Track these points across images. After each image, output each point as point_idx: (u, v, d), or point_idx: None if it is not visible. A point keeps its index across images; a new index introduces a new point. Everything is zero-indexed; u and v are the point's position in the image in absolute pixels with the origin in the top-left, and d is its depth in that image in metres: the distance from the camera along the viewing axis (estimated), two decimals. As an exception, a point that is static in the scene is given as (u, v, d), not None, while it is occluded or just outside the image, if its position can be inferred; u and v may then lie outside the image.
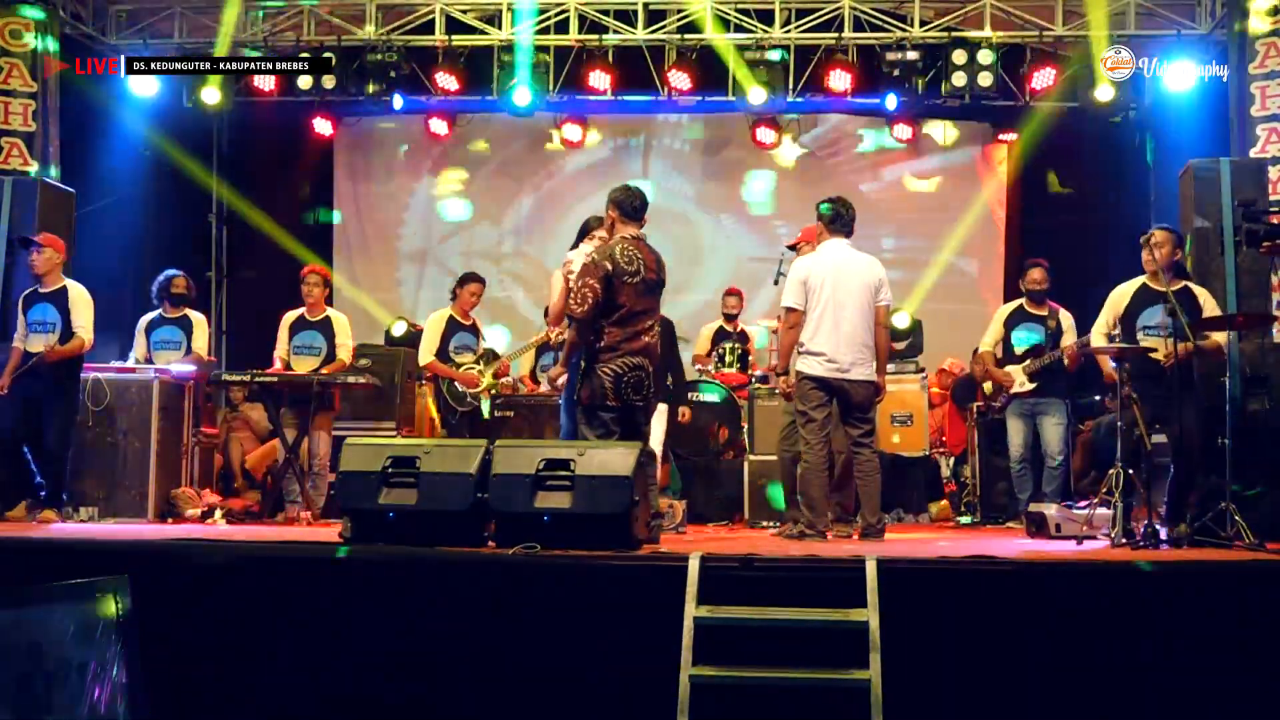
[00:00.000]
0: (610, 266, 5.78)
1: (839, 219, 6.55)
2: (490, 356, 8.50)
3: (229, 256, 12.34)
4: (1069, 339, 7.81)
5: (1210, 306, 6.55)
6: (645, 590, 4.88)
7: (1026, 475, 7.97)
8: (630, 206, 5.95)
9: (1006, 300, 9.13)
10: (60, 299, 7.50)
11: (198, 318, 8.55)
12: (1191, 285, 6.67)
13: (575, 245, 6.53)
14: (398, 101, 10.52)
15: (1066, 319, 7.94)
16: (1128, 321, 6.68)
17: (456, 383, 8.30)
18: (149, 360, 8.26)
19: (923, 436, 8.99)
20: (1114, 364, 6.43)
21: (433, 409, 8.67)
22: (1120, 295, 6.78)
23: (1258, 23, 8.18)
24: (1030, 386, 7.91)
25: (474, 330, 8.50)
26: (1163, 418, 6.32)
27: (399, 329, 10.67)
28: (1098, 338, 6.83)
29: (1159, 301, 6.52)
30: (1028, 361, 7.93)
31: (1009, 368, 8.03)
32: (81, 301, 7.52)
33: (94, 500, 7.66)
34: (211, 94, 10.52)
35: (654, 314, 5.96)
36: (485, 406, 8.41)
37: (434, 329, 8.41)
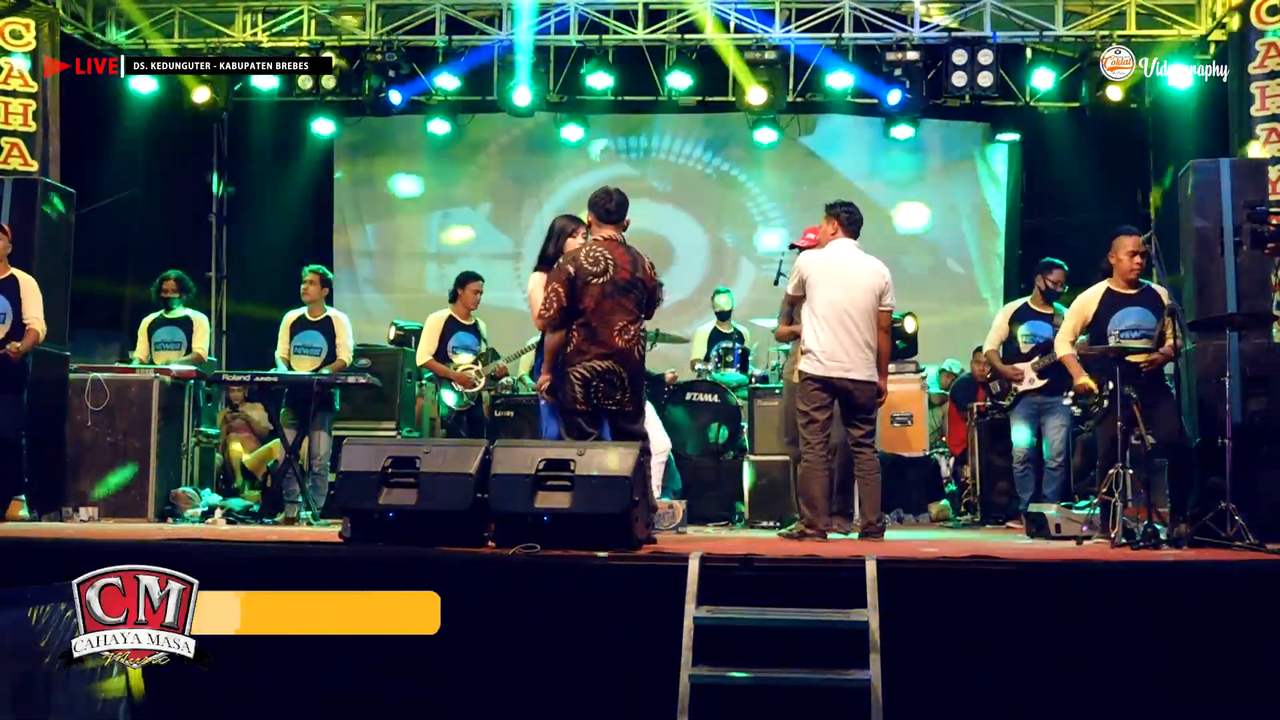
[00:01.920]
0: (573, 270, 5.78)
1: (854, 221, 6.59)
2: (489, 357, 8.45)
3: (229, 256, 12.34)
4: None
5: (1166, 298, 6.57)
6: (645, 590, 4.87)
7: (1029, 475, 7.97)
8: (604, 209, 5.92)
9: (1007, 300, 9.14)
10: (10, 289, 7.30)
11: (199, 318, 8.56)
12: (1152, 284, 6.71)
13: (545, 248, 6.46)
14: (395, 97, 10.48)
15: None
16: (1099, 327, 6.68)
17: (452, 383, 8.28)
18: (150, 360, 8.27)
19: (923, 436, 8.99)
20: (1096, 365, 6.48)
21: (435, 409, 8.65)
22: (1087, 302, 6.77)
23: (1258, 23, 8.18)
24: (1040, 383, 7.90)
25: (474, 330, 8.45)
26: (1144, 420, 6.33)
27: (392, 333, 10.52)
28: (1063, 345, 6.84)
29: (1128, 305, 6.61)
30: (1036, 359, 7.92)
31: (1017, 365, 8.03)
32: (34, 292, 7.34)
33: (94, 500, 7.65)
34: (202, 93, 10.52)
35: (628, 314, 5.84)
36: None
37: (432, 329, 8.39)
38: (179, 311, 8.47)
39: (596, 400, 5.79)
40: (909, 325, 9.44)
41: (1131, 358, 6.28)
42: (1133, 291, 6.65)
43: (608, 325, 5.78)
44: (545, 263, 6.31)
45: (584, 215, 6.24)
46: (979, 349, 9.70)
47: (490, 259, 12.25)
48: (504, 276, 12.25)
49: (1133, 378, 6.20)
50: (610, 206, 5.92)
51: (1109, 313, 6.67)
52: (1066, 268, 8.12)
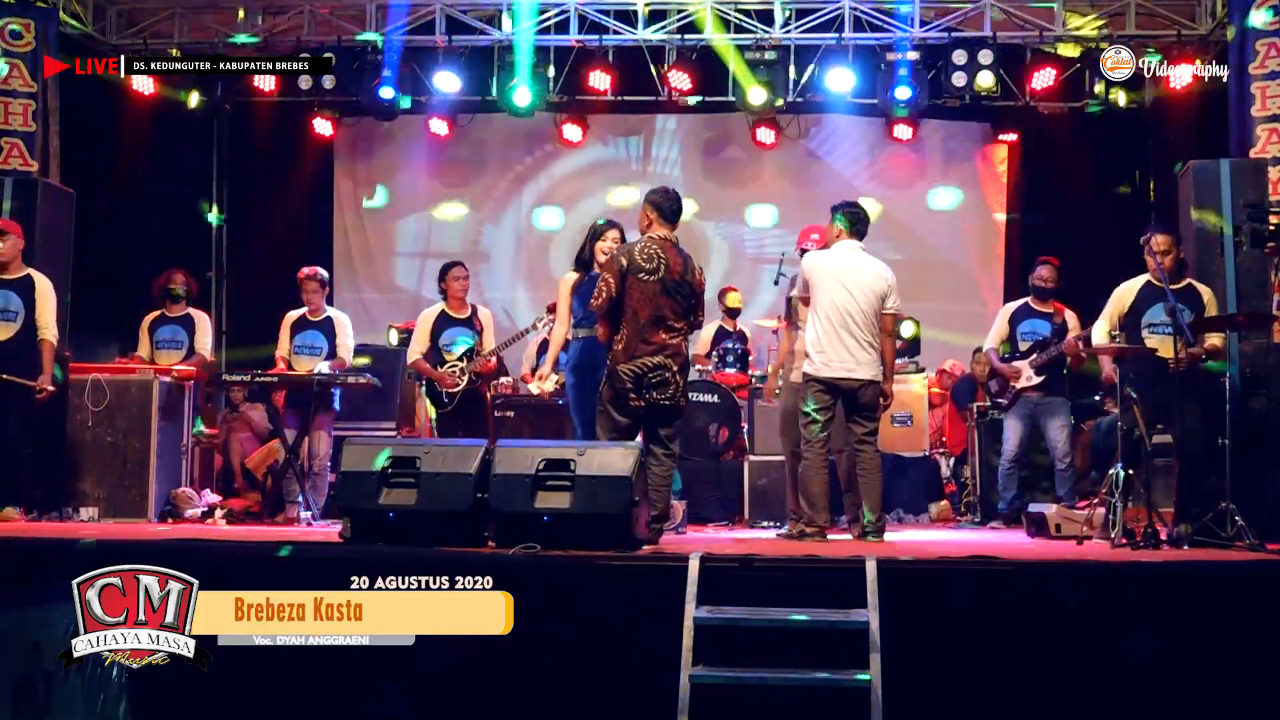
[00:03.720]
0: (626, 262, 5.86)
1: (860, 222, 6.60)
2: (471, 354, 8.01)
3: (229, 256, 12.34)
4: (1073, 335, 7.81)
5: (1212, 305, 6.56)
6: (645, 590, 4.88)
7: (1014, 475, 7.98)
8: (669, 209, 6.03)
9: (1007, 300, 9.14)
10: (25, 288, 7.29)
11: (201, 317, 8.54)
12: (1195, 283, 6.67)
13: (582, 250, 6.57)
14: (386, 93, 10.42)
15: (1071, 317, 7.94)
16: (1133, 319, 6.65)
17: (436, 383, 8.02)
18: (151, 359, 8.26)
19: (923, 436, 8.99)
20: (1114, 364, 6.44)
21: (430, 409, 8.55)
22: (1125, 292, 6.77)
23: (1258, 23, 8.17)
24: (1036, 381, 7.89)
25: (469, 323, 8.07)
26: (1165, 418, 6.30)
27: (393, 338, 10.43)
28: (1100, 336, 6.81)
29: (1163, 299, 6.50)
30: (1034, 356, 7.92)
31: (1016, 363, 8.02)
32: (50, 295, 7.33)
33: (94, 500, 7.65)
34: (195, 97, 10.56)
35: (677, 314, 5.92)
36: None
37: (423, 326, 8.08)
38: (182, 310, 8.46)
39: (650, 397, 5.84)
40: (906, 330, 9.39)
41: (1160, 354, 6.23)
42: (1171, 287, 6.47)
43: (658, 322, 5.85)
44: (579, 263, 6.48)
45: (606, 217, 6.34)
46: (979, 349, 9.70)
47: (489, 259, 12.27)
48: (504, 276, 12.28)
49: (1159, 375, 6.14)
50: (675, 206, 6.06)
51: (1144, 306, 6.65)
52: (1056, 264, 8.12)
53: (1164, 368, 6.20)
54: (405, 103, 10.69)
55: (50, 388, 7.21)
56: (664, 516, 6.05)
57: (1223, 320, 6.53)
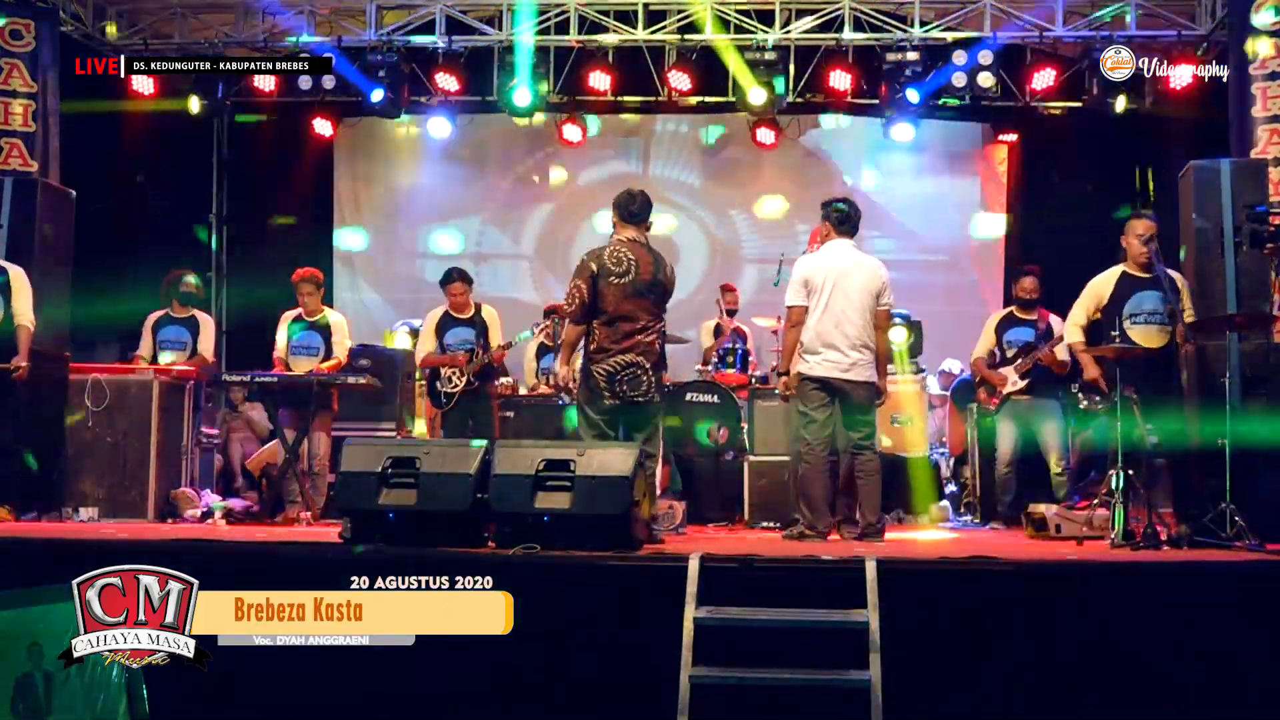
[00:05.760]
0: (595, 268, 5.93)
1: (848, 220, 6.56)
2: (472, 356, 8.16)
3: (229, 257, 12.34)
4: (1053, 344, 7.80)
5: (1185, 290, 6.52)
6: (645, 590, 4.88)
7: (1011, 477, 7.98)
8: (627, 210, 6.09)
9: (1006, 301, 9.13)
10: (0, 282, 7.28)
11: (205, 319, 8.54)
12: (1169, 270, 6.65)
13: None
14: (377, 94, 10.41)
15: (1056, 321, 7.92)
16: (1112, 311, 6.59)
17: (436, 383, 8.18)
18: (154, 359, 8.26)
19: (922, 437, 8.98)
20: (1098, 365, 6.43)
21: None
22: (1101, 285, 6.69)
23: (1258, 23, 8.17)
24: (1022, 384, 7.90)
25: (472, 323, 8.24)
26: (1156, 412, 6.26)
27: (401, 340, 10.45)
28: (1073, 330, 6.77)
29: (1143, 289, 6.52)
30: (1019, 361, 7.94)
31: (1002, 369, 8.04)
32: (25, 284, 7.31)
33: (94, 500, 7.65)
34: (195, 103, 10.63)
35: (650, 313, 6.01)
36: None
37: (428, 325, 8.36)
38: (188, 311, 8.46)
39: (622, 393, 5.89)
40: (896, 335, 9.26)
41: (1148, 346, 6.20)
42: (1148, 275, 6.52)
43: (630, 323, 5.92)
44: None
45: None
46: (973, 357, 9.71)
47: (490, 259, 12.27)
48: (504, 276, 12.28)
49: (1142, 371, 6.11)
50: (634, 208, 6.10)
51: (1124, 296, 6.57)
52: (1038, 273, 8.15)
53: (1150, 360, 6.18)
54: (404, 103, 10.71)
55: (24, 364, 7.14)
56: (653, 517, 6.08)
57: (1223, 320, 6.53)
